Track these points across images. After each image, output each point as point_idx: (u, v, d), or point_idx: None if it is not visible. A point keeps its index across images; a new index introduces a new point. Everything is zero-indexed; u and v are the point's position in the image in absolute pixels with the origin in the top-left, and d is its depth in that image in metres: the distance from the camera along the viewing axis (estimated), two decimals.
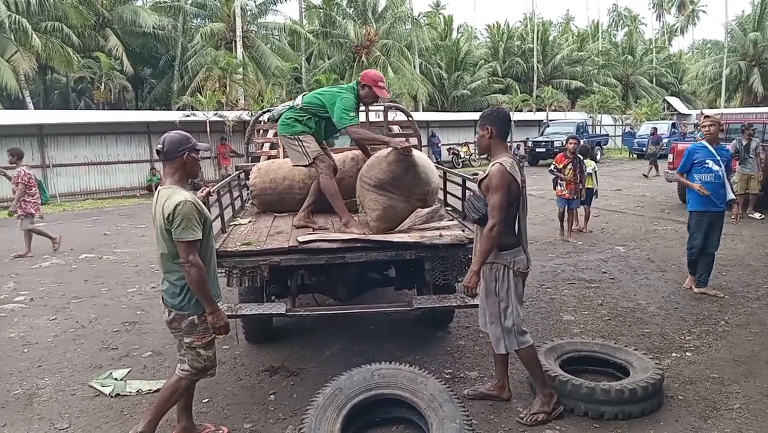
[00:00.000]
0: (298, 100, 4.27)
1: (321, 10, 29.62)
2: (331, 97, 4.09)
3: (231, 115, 18.24)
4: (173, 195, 2.83)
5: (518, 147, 27.20)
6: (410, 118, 6.33)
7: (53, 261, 8.21)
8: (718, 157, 5.45)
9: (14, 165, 8.49)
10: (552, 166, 8.62)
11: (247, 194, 5.45)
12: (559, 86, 37.19)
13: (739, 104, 39.42)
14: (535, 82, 36.11)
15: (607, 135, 30.50)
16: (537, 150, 23.38)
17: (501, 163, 3.16)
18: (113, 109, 24.93)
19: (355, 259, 3.63)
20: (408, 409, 3.11)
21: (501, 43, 40.13)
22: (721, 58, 37.57)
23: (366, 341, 4.67)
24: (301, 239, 3.62)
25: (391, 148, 3.86)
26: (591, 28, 49.47)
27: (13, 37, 19.26)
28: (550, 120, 28.59)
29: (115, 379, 4.07)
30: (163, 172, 3.10)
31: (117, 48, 23.53)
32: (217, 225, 3.90)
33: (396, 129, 6.43)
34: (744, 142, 9.66)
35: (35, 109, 21.43)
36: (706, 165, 5.46)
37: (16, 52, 19.22)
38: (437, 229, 3.92)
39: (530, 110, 31.87)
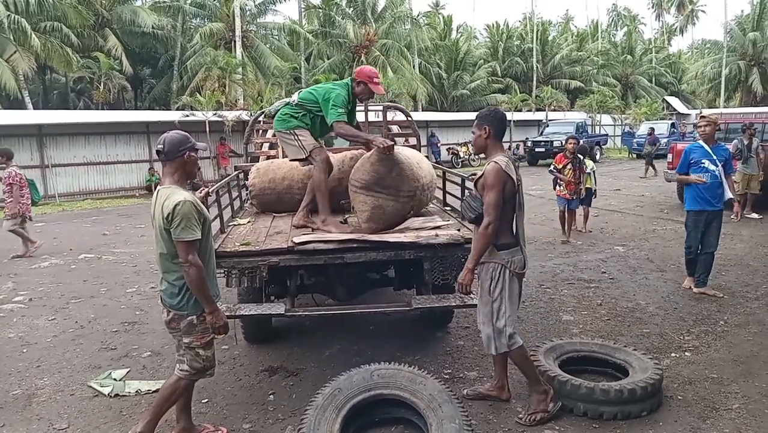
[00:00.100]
0: (294, 97, 4.30)
1: (320, 10, 29.64)
2: (325, 93, 4.12)
3: (230, 115, 18.24)
4: (173, 195, 2.83)
5: (517, 147, 27.24)
6: (409, 118, 6.33)
7: (52, 261, 8.21)
8: (715, 157, 5.46)
9: (4, 166, 8.47)
10: (552, 167, 8.62)
11: (246, 194, 5.45)
12: (558, 86, 37.20)
13: (738, 104, 39.45)
14: (534, 82, 36.13)
15: (607, 135, 30.51)
16: (536, 150, 23.43)
17: (496, 162, 3.18)
18: (112, 109, 24.89)
19: (354, 259, 3.62)
20: (407, 409, 3.11)
21: (500, 43, 40.13)
22: (721, 57, 37.59)
23: (365, 341, 4.67)
24: (297, 239, 3.62)
25: (375, 152, 3.86)
26: (590, 27, 49.50)
27: (12, 37, 19.25)
28: (550, 120, 28.61)
29: (114, 379, 4.07)
30: (162, 172, 3.10)
31: (116, 48, 23.52)
32: (216, 225, 3.90)
33: (395, 129, 6.43)
34: (745, 142, 9.67)
35: (34, 109, 21.41)
36: (702, 165, 5.48)
37: (15, 52, 19.21)
38: (433, 228, 3.92)
39: (530, 110, 31.89)
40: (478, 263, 3.27)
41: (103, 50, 23.42)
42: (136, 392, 3.87)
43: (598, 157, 24.33)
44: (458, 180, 4.58)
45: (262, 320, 4.41)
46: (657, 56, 47.65)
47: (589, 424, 3.29)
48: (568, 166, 8.31)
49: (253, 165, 5.27)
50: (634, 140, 25.68)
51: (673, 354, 4.26)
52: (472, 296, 3.48)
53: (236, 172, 5.85)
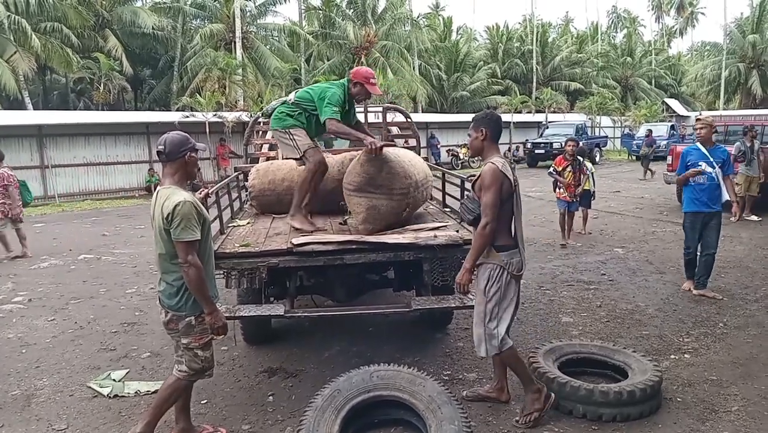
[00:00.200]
0: (291, 96, 4.32)
1: (320, 12, 29.65)
2: (321, 92, 4.14)
3: (230, 116, 18.24)
4: (172, 195, 2.83)
5: (517, 148, 27.25)
6: (409, 120, 6.33)
7: (52, 262, 8.20)
8: (711, 159, 5.48)
9: None
10: (551, 169, 8.62)
11: (246, 195, 5.45)
12: (558, 88, 37.22)
13: (737, 106, 39.52)
14: (534, 84, 36.14)
15: (606, 137, 30.54)
16: (536, 151, 23.48)
17: (493, 163, 3.21)
18: (112, 109, 24.91)
19: (353, 260, 3.63)
20: (406, 411, 3.11)
21: (500, 44, 40.18)
22: (720, 60, 37.65)
23: (365, 342, 4.67)
24: (296, 241, 3.62)
25: (364, 153, 3.87)
26: (590, 29, 49.53)
27: (12, 38, 19.26)
28: (550, 122, 28.63)
29: (114, 380, 4.07)
30: (162, 172, 3.10)
31: (116, 49, 23.53)
32: (215, 226, 3.90)
33: (395, 130, 6.43)
34: (748, 144, 9.69)
35: (34, 109, 21.42)
36: (699, 167, 5.49)
37: (15, 52, 19.22)
38: (432, 229, 3.93)
39: (529, 112, 31.91)
40: (476, 264, 3.28)
41: (103, 51, 23.43)
42: (136, 392, 3.87)
43: (597, 159, 24.35)
44: (458, 181, 4.58)
45: (261, 321, 4.41)
46: (657, 58, 47.71)
47: (589, 426, 3.28)
48: (568, 169, 8.31)
49: (252, 166, 5.27)
50: (634, 142, 25.71)
51: (672, 356, 4.26)
52: (470, 296, 3.48)
53: (236, 173, 5.85)
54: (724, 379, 3.85)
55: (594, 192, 9.17)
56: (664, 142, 22.01)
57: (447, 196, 5.10)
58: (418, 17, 33.36)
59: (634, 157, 25.37)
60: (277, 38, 28.36)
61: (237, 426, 3.41)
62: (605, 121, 32.84)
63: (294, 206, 4.19)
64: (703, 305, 5.41)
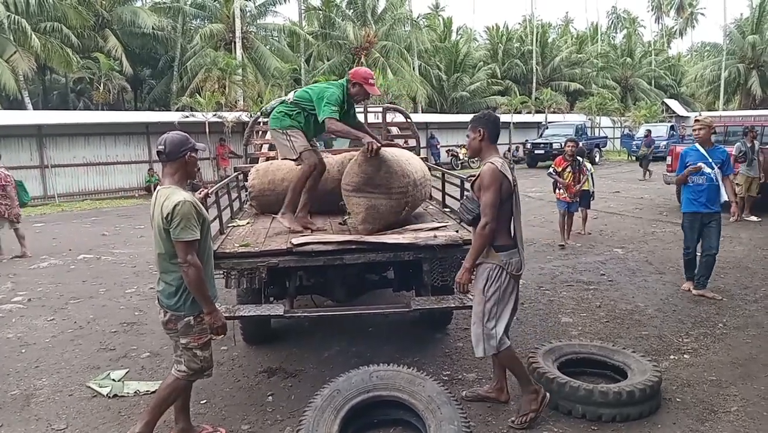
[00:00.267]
0: (290, 95, 4.33)
1: (320, 12, 29.67)
2: (320, 92, 4.15)
3: (230, 116, 18.24)
4: (172, 195, 2.83)
5: (517, 149, 27.26)
6: (409, 120, 6.34)
7: (51, 261, 8.20)
8: (710, 160, 5.48)
9: None
10: (551, 169, 8.61)
11: (246, 196, 5.45)
12: (558, 88, 37.23)
13: (737, 107, 39.53)
14: (534, 84, 36.16)
15: (606, 137, 30.56)
16: (536, 152, 23.49)
17: (492, 163, 3.21)
18: (112, 109, 24.90)
19: (353, 260, 3.63)
20: (406, 411, 3.11)
21: (500, 45, 40.20)
22: (720, 60, 37.66)
23: (364, 342, 4.67)
24: (295, 241, 3.62)
25: (361, 153, 3.87)
26: (590, 30, 49.57)
27: (12, 38, 19.26)
28: (549, 122, 28.64)
29: (113, 380, 4.07)
30: (162, 172, 3.10)
31: (116, 49, 23.53)
32: (215, 226, 3.90)
33: (395, 130, 6.44)
34: (748, 144, 9.69)
35: (34, 109, 21.42)
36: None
37: (15, 52, 19.22)
38: (431, 230, 3.93)
39: (529, 112, 31.91)
40: (476, 263, 3.28)
41: (103, 51, 23.43)
42: (135, 392, 3.87)
43: (597, 159, 24.35)
44: (457, 182, 4.58)
45: (261, 321, 4.41)
46: (656, 59, 47.74)
47: (588, 426, 3.29)
48: (568, 169, 8.31)
49: (252, 166, 5.27)
50: (634, 143, 25.71)
51: (671, 356, 4.27)
52: (470, 296, 3.48)
53: (236, 173, 5.85)
54: (724, 379, 3.85)
55: (593, 192, 9.17)
56: (664, 142, 22.01)
57: (447, 197, 5.10)
58: (417, 17, 33.39)
59: (633, 158, 25.39)
60: (276, 38, 28.36)
61: (236, 426, 3.41)
62: (605, 121, 32.84)
63: (285, 205, 4.20)
64: (703, 305, 5.41)
